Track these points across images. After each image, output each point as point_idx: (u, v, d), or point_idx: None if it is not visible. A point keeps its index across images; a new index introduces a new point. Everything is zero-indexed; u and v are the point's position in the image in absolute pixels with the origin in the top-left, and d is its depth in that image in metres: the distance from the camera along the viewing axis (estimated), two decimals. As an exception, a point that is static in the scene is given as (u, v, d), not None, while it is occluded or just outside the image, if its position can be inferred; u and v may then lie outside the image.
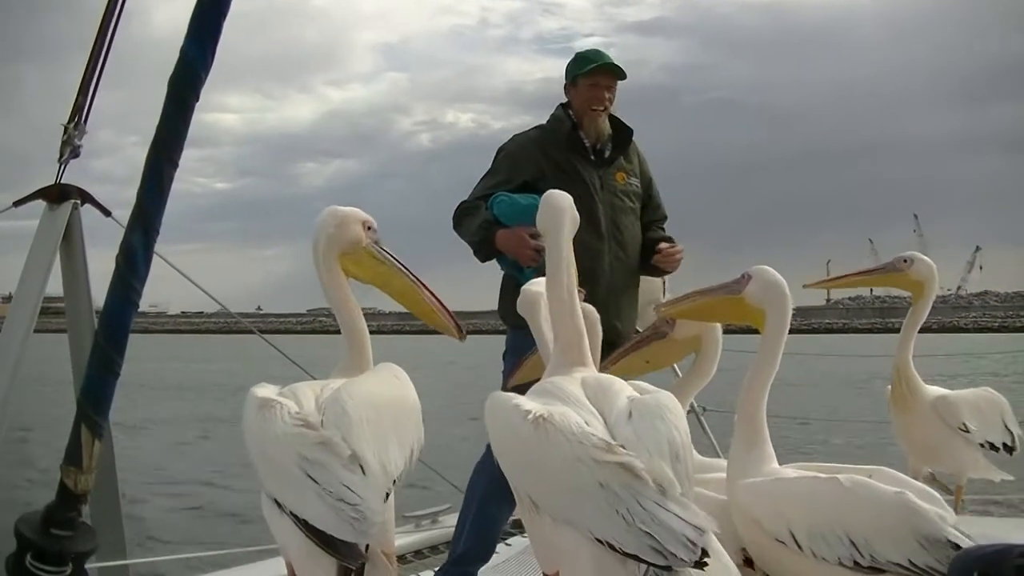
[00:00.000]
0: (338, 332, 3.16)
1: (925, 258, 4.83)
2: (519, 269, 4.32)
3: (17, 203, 3.96)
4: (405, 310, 3.42)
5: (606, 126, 4.55)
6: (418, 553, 5.61)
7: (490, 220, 4.38)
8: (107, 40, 3.76)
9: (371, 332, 3.17)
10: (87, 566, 3.58)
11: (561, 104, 4.66)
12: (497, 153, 4.52)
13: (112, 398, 3.60)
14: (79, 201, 3.94)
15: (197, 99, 3.51)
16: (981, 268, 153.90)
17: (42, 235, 3.90)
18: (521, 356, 4.26)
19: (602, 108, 4.53)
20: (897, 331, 4.84)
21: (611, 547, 2.27)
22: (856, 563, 2.77)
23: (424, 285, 3.37)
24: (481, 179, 4.49)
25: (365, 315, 3.22)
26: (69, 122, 3.89)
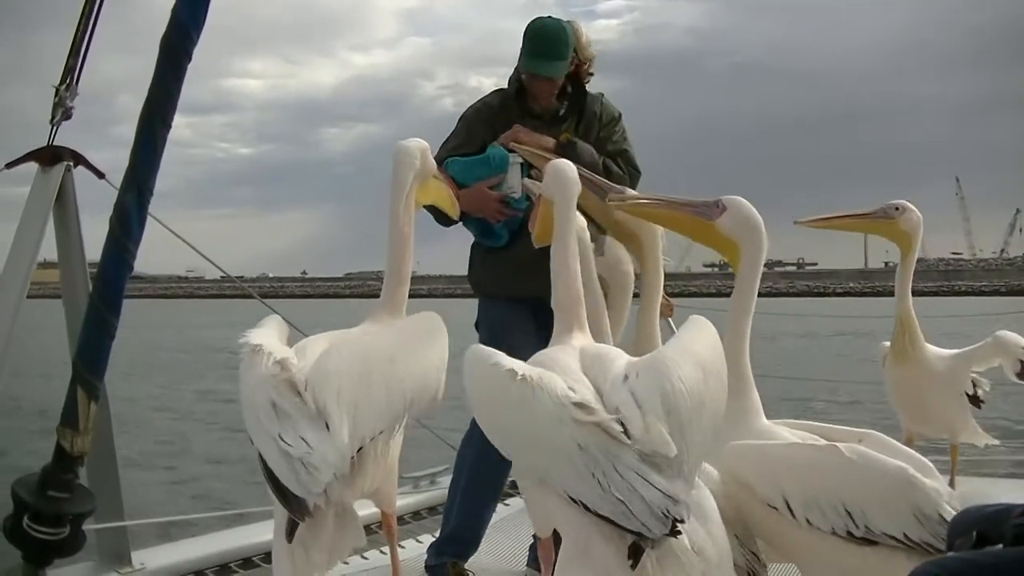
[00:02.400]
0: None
1: (914, 208, 4.80)
2: (487, 228, 4.24)
3: (9, 165, 3.92)
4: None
5: (554, 105, 4.35)
6: (416, 514, 5.62)
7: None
8: (97, 1, 3.72)
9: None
10: (85, 527, 3.61)
11: (516, 67, 4.41)
12: (459, 120, 4.44)
13: (108, 359, 3.60)
14: (72, 163, 3.90)
15: (189, 59, 3.49)
16: (1022, 231, 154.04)
17: (35, 197, 3.87)
18: (492, 327, 4.26)
19: (547, 100, 4.36)
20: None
21: (585, 507, 2.25)
22: (849, 533, 2.77)
23: (453, 186, 3.64)
24: (443, 143, 4.38)
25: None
26: (60, 83, 3.84)
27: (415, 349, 2.92)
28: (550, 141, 4.14)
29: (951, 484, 4.62)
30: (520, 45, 4.29)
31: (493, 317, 4.33)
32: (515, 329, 4.09)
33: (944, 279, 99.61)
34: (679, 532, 2.22)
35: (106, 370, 3.56)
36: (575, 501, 2.27)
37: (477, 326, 4.39)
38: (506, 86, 4.43)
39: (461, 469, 4.29)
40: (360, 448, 2.65)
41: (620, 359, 2.56)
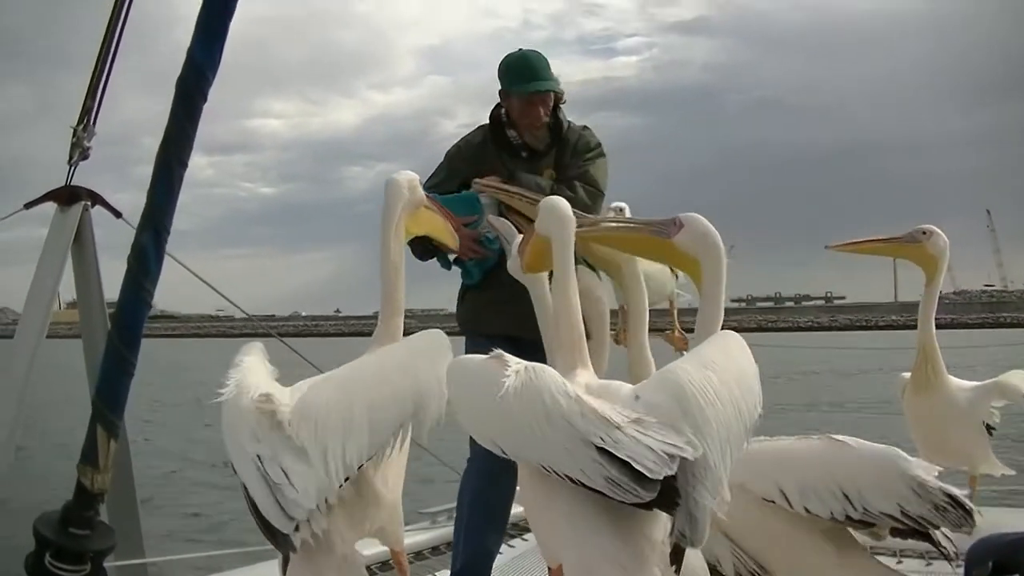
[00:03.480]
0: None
1: (941, 233, 4.82)
2: (461, 265, 4.30)
3: (28, 205, 3.98)
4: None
5: (544, 135, 4.40)
6: (435, 549, 5.62)
7: None
8: (113, 43, 3.78)
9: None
10: (106, 564, 3.63)
11: (497, 104, 4.45)
12: (445, 155, 4.46)
13: (127, 397, 3.63)
14: (90, 203, 3.96)
15: (205, 100, 3.53)
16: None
17: (53, 237, 3.93)
18: None
19: (536, 128, 4.37)
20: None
21: (578, 483, 2.23)
22: (848, 516, 2.79)
23: (451, 218, 3.67)
24: (427, 179, 4.36)
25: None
26: (78, 124, 3.90)
27: (405, 368, 2.88)
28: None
29: None
30: (500, 81, 4.31)
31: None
32: None
33: (988, 311, 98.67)
34: (678, 499, 2.18)
35: (125, 408, 3.58)
36: (574, 482, 2.24)
37: None
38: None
39: (462, 505, 4.30)
40: (347, 479, 2.64)
41: (625, 388, 2.57)
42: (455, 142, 4.51)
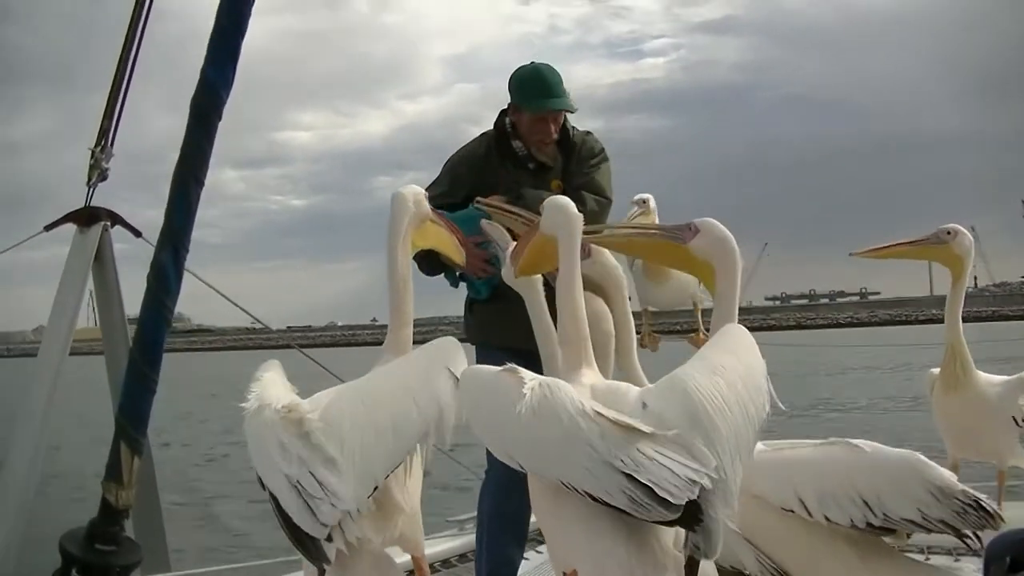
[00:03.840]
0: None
1: (966, 232, 4.79)
2: (468, 281, 4.27)
3: (48, 227, 4.04)
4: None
5: (553, 151, 4.34)
6: (462, 557, 5.63)
7: None
8: (129, 65, 3.84)
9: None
10: (131, 579, 3.67)
11: (502, 111, 4.43)
12: (445, 163, 4.44)
13: (149, 414, 3.68)
14: (109, 223, 4.01)
15: (220, 118, 3.58)
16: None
17: (74, 257, 3.98)
18: None
19: (546, 144, 4.31)
20: None
21: (600, 500, 2.22)
22: (869, 523, 2.77)
23: (457, 233, 3.61)
24: (427, 188, 4.27)
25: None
26: (96, 146, 3.96)
27: (423, 378, 2.87)
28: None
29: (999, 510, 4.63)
30: (512, 95, 4.30)
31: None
32: None
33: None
34: (701, 517, 2.17)
35: (148, 424, 3.63)
36: (595, 499, 2.24)
37: None
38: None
39: (482, 516, 4.28)
40: (376, 488, 2.64)
41: (632, 391, 2.57)
42: (456, 152, 4.43)
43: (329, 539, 2.51)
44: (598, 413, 2.32)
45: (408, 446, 2.72)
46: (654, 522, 2.21)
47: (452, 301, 4.61)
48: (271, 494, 2.65)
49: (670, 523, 2.20)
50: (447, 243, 3.59)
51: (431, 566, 4.89)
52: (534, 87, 4.22)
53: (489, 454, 3.91)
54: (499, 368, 2.53)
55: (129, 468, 3.51)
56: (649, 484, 2.14)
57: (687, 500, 2.13)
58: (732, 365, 2.48)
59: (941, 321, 4.97)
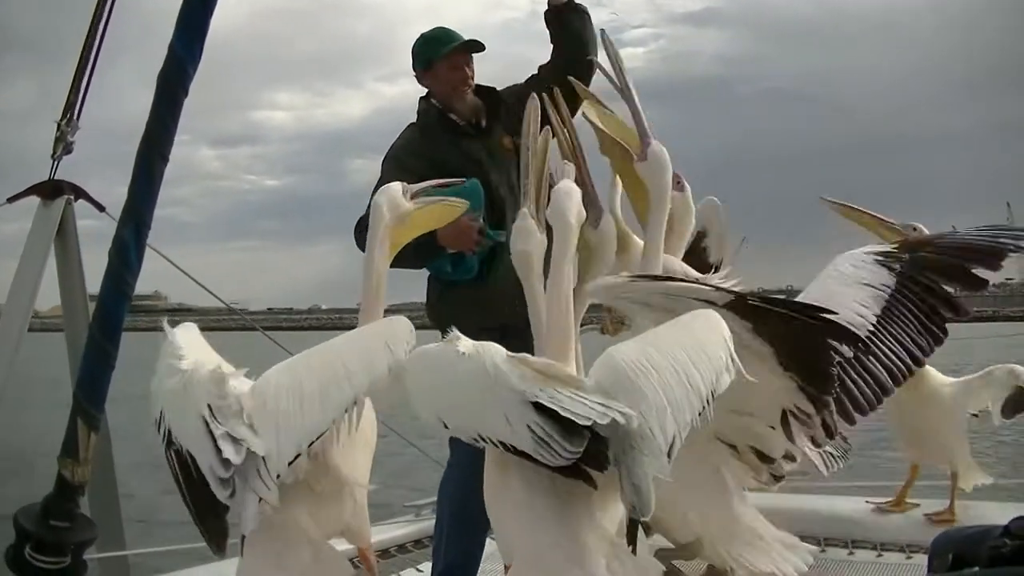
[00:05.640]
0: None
1: (927, 233, 4.77)
2: (458, 261, 4.15)
3: (11, 199, 3.99)
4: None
5: (476, 100, 4.33)
6: (418, 543, 5.62)
7: None
8: (97, 39, 3.80)
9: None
10: (86, 556, 3.65)
11: (421, 97, 4.43)
12: (383, 163, 4.30)
13: (107, 390, 3.65)
14: (73, 197, 3.97)
15: (186, 94, 3.54)
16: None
17: (36, 231, 3.94)
18: None
19: (467, 86, 4.31)
20: None
21: (509, 448, 2.24)
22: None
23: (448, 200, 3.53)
24: (373, 192, 4.22)
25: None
26: (62, 119, 3.91)
27: (358, 349, 2.80)
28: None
29: (951, 509, 4.68)
30: (419, 60, 4.32)
31: None
32: None
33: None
34: (607, 457, 2.16)
35: (105, 400, 3.61)
36: (506, 447, 2.25)
37: None
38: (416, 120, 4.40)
39: (443, 505, 4.24)
40: (297, 455, 2.51)
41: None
42: (390, 148, 4.36)
43: (232, 495, 2.41)
44: (522, 361, 2.32)
45: (334, 414, 2.62)
46: (563, 471, 2.22)
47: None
48: (176, 456, 2.55)
49: (577, 468, 2.20)
50: (438, 219, 3.52)
51: (386, 551, 4.87)
52: (437, 37, 4.27)
53: (453, 447, 3.90)
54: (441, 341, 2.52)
55: (86, 445, 3.49)
56: (552, 406, 2.15)
57: (591, 426, 2.13)
58: (672, 334, 2.49)
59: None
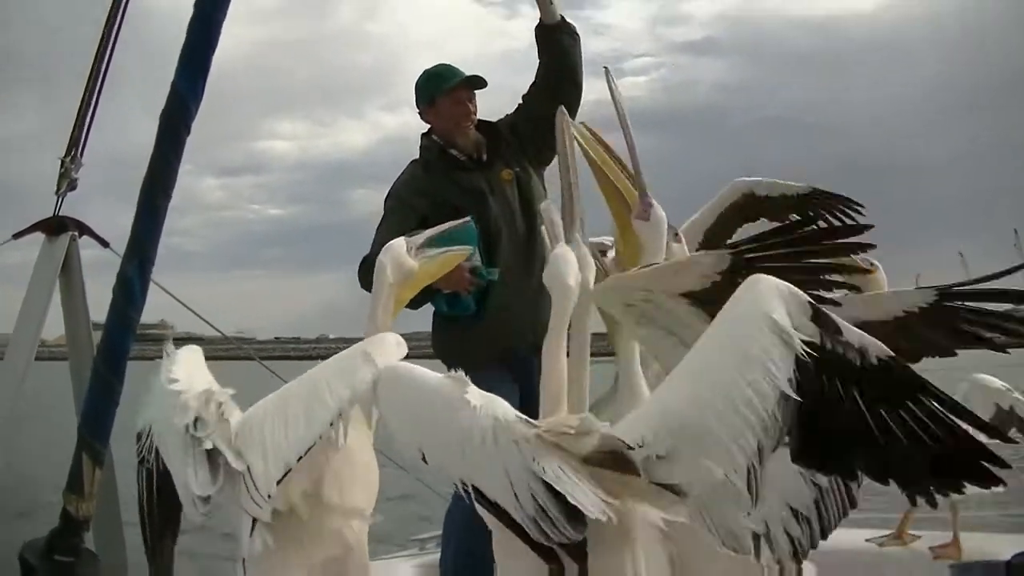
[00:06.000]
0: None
1: (882, 274, 4.59)
2: (454, 300, 4.21)
3: (16, 235, 4.02)
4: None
5: (478, 134, 4.41)
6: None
7: None
8: (101, 74, 3.84)
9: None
10: (90, 590, 3.66)
11: (423, 133, 4.49)
12: (386, 201, 4.42)
13: (112, 425, 3.67)
14: (77, 233, 4.00)
15: (188, 132, 3.58)
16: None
17: (41, 267, 3.97)
18: None
19: (470, 121, 4.38)
20: None
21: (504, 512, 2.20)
22: None
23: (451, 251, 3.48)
24: (377, 230, 4.27)
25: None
26: (66, 155, 3.94)
27: (340, 366, 2.79)
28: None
29: (955, 543, 4.51)
30: (423, 96, 4.39)
31: None
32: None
33: None
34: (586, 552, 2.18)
35: (110, 434, 3.63)
36: (500, 509, 2.22)
37: None
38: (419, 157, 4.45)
39: (447, 551, 4.21)
40: (288, 471, 2.53)
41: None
42: (392, 186, 4.45)
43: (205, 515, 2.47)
44: (528, 423, 2.30)
45: (319, 429, 2.58)
46: (538, 548, 2.21)
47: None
48: (147, 475, 2.61)
49: (552, 551, 2.22)
50: (440, 270, 3.50)
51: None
52: (441, 73, 4.35)
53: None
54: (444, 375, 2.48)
55: (91, 479, 3.51)
56: (559, 489, 2.12)
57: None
58: (709, 360, 2.23)
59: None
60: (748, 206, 5.16)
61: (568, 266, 2.88)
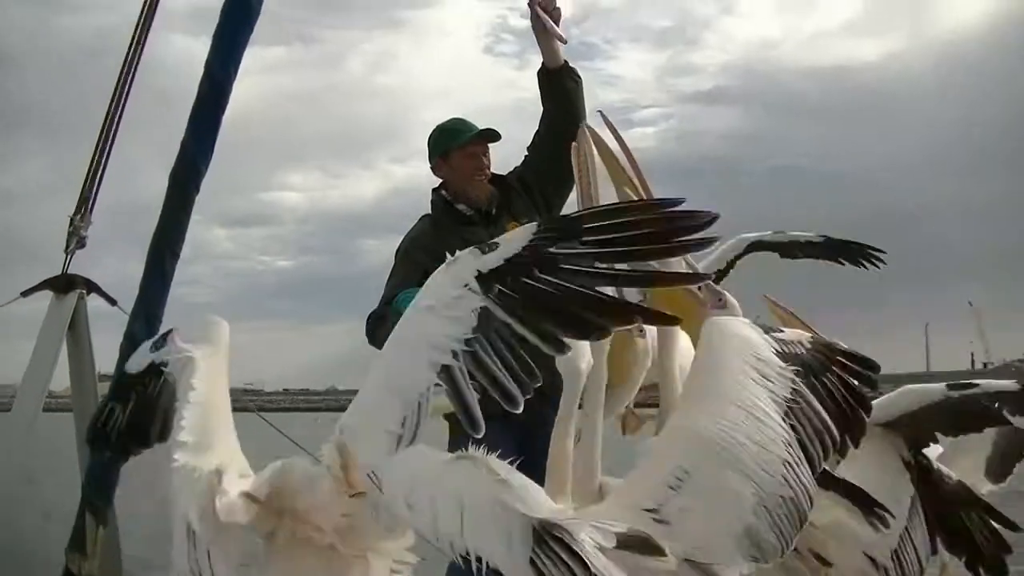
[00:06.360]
0: None
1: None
2: None
3: (25, 293, 4.06)
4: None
5: (491, 188, 4.35)
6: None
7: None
8: (110, 136, 3.89)
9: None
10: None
11: (434, 188, 4.45)
12: (396, 254, 4.37)
13: (116, 484, 3.67)
14: (85, 291, 4.04)
15: (198, 191, 3.63)
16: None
17: (49, 323, 4.00)
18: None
19: (484, 175, 4.35)
20: None
21: None
22: None
23: None
24: (386, 284, 4.29)
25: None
26: (75, 213, 3.99)
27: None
28: None
29: None
30: (436, 150, 4.34)
31: (461, 445, 4.13)
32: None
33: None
34: None
35: (114, 494, 3.63)
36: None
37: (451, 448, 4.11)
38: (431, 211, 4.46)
39: None
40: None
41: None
42: (403, 239, 4.42)
43: None
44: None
45: None
46: None
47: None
48: None
49: None
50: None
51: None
52: (455, 128, 4.35)
53: None
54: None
55: (93, 538, 3.51)
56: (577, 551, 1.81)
57: None
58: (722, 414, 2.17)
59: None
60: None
61: (580, 349, 2.86)
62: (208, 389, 2.59)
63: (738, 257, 5.43)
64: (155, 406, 2.65)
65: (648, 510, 2.08)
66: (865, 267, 5.04)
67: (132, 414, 2.68)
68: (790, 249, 5.46)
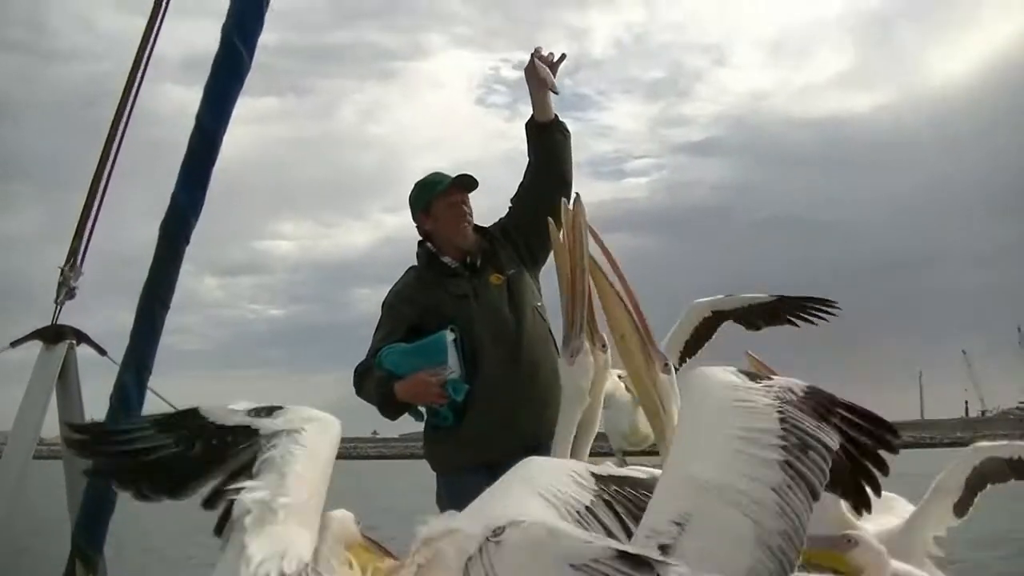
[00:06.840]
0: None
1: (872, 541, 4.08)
2: (433, 411, 4.20)
3: (14, 344, 4.06)
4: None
5: (477, 237, 4.44)
6: None
7: (384, 376, 4.12)
8: (101, 187, 3.92)
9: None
10: None
11: (419, 241, 4.55)
12: (382, 305, 4.46)
13: (106, 532, 3.68)
14: (75, 341, 4.04)
15: (187, 243, 3.67)
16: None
17: (38, 374, 4.00)
18: (451, 503, 3.22)
19: (467, 222, 4.40)
20: None
21: None
22: None
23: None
24: (373, 336, 4.34)
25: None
26: (65, 264, 4.00)
27: None
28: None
29: None
30: (417, 205, 4.44)
31: (448, 493, 4.18)
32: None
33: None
34: None
35: (104, 542, 3.63)
36: None
37: (438, 501, 4.19)
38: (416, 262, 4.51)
39: None
40: None
41: None
42: (390, 291, 4.49)
43: None
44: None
45: None
46: None
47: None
48: None
49: None
50: None
51: None
52: (432, 180, 4.41)
53: None
54: None
55: (84, 587, 3.51)
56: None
57: None
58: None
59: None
60: (716, 319, 5.38)
61: (585, 371, 2.92)
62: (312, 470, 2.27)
63: (704, 321, 5.58)
64: (225, 462, 2.29)
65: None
66: (814, 323, 5.18)
67: (186, 459, 2.33)
68: (751, 318, 5.56)
